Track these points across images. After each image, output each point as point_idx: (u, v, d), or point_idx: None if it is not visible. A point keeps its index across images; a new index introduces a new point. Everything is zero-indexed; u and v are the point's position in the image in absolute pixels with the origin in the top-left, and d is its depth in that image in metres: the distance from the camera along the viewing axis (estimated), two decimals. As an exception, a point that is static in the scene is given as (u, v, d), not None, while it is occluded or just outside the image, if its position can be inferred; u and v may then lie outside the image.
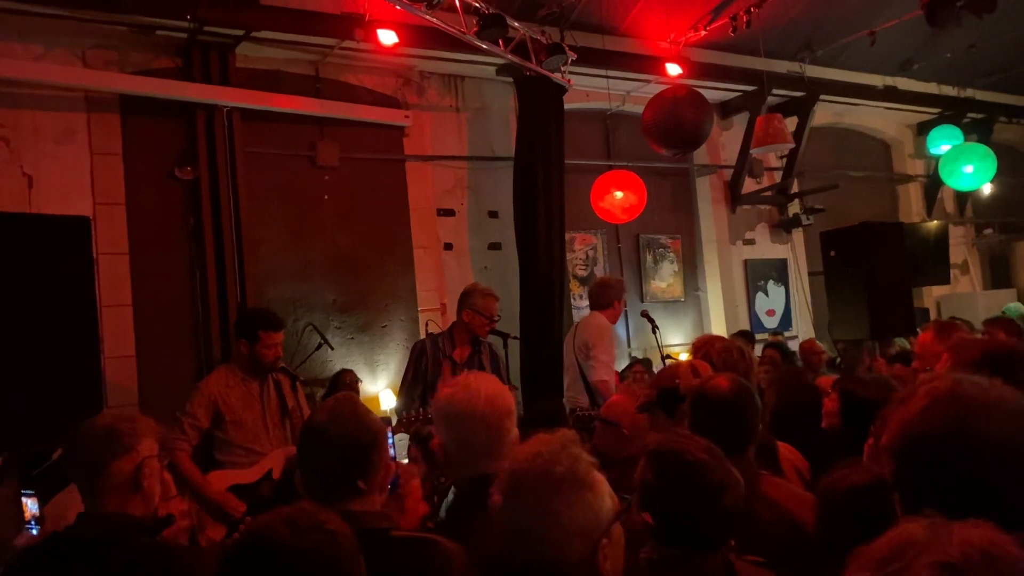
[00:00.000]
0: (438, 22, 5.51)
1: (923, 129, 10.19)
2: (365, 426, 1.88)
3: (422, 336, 6.18)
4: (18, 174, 5.23)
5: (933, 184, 10.32)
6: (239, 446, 4.12)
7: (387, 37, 5.90)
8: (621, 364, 7.41)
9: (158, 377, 5.50)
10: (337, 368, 6.17)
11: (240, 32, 5.69)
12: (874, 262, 6.14)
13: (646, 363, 6.60)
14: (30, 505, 3.52)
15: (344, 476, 1.84)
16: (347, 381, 5.75)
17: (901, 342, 6.85)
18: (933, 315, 9.94)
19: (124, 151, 5.61)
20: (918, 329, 6.96)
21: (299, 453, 1.89)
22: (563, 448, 1.60)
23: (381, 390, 6.42)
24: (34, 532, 3.43)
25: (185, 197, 5.76)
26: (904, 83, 9.65)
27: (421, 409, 4.37)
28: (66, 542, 2.07)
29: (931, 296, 10.32)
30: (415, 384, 4.68)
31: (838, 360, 6.60)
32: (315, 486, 1.85)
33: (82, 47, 5.47)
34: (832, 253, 6.32)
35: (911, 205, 10.53)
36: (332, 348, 6.11)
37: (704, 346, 3.62)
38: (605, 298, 5.67)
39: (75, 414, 3.49)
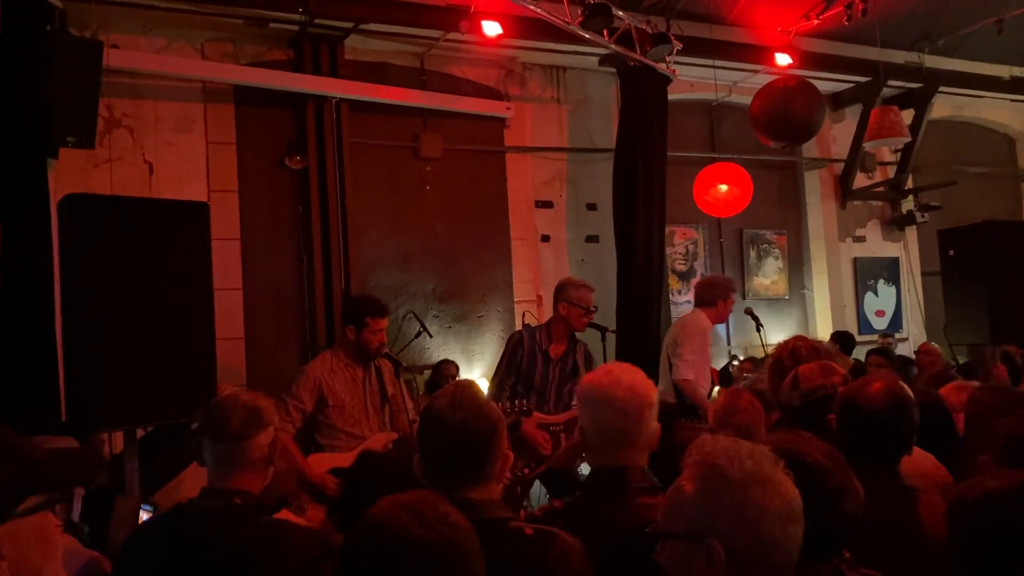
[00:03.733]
0: (543, 12, 5.48)
1: (1052, 123, 9.58)
2: (485, 414, 1.85)
3: (517, 327, 6.19)
4: (140, 161, 5.49)
5: (1063, 182, 9.71)
6: (341, 430, 4.21)
7: (491, 28, 5.91)
8: (719, 362, 7.25)
9: (264, 359, 5.70)
10: (435, 356, 6.27)
11: (349, 24, 5.82)
12: (997, 263, 5.79)
13: (752, 362, 6.43)
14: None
15: (463, 463, 1.82)
16: (450, 374, 5.85)
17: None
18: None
19: (237, 140, 5.83)
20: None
21: (419, 439, 1.89)
22: (757, 446, 1.56)
23: (476, 379, 6.47)
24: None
25: (294, 185, 5.94)
26: (1033, 74, 9.08)
27: (512, 401, 4.37)
28: (190, 514, 2.09)
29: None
30: (508, 375, 4.66)
31: (955, 365, 6.26)
32: (434, 472, 1.84)
33: (200, 40, 5.69)
34: (951, 252, 5.99)
35: (1037, 204, 9.92)
36: (431, 336, 6.20)
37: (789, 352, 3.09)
38: (709, 296, 5.41)
39: (189, 393, 3.62)
